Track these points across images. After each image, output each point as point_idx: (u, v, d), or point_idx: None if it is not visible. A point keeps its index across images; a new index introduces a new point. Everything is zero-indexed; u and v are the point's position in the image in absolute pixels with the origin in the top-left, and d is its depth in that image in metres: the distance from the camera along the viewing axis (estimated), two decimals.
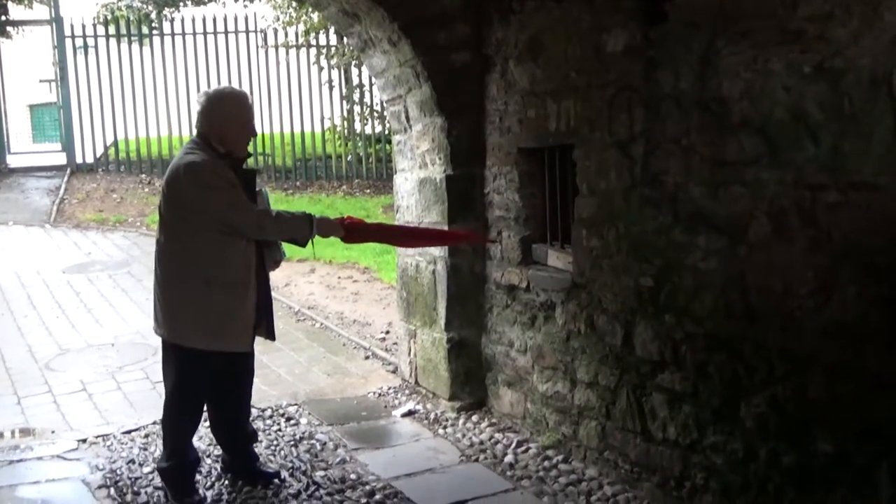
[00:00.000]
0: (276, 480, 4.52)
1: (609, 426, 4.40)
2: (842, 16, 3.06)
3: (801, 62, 3.23)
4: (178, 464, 4.35)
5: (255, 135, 4.52)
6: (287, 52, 16.11)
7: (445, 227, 5.46)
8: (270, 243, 4.42)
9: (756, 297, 3.49)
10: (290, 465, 4.76)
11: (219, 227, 4.12)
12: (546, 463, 4.66)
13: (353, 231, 4.48)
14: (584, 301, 4.52)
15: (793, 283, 3.31)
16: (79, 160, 16.09)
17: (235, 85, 15.34)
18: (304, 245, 4.38)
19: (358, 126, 16.37)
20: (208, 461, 4.73)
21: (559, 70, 4.63)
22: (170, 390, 4.36)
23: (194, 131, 4.40)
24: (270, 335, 4.53)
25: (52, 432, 5.43)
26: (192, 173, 4.12)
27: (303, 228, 4.28)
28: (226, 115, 4.25)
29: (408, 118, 5.79)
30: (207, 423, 4.63)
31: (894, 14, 2.89)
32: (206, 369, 4.28)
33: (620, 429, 4.31)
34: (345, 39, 12.89)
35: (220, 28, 15.95)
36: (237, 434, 4.60)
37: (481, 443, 5.01)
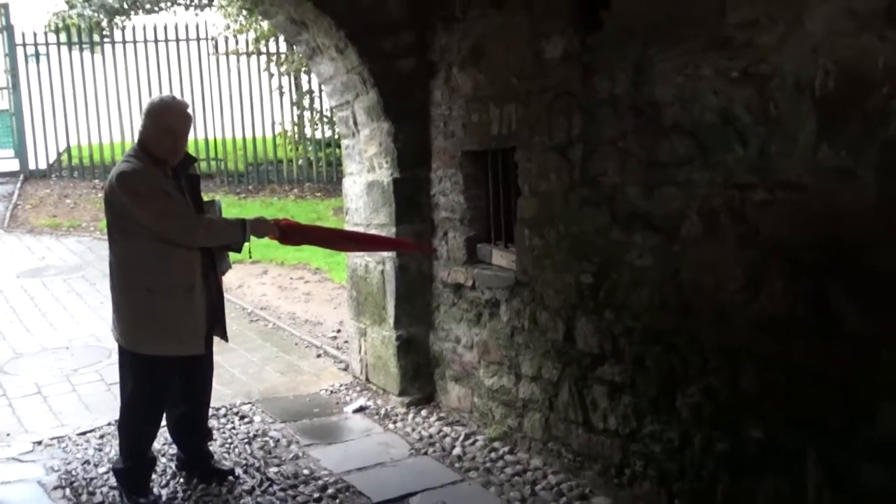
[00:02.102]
0: (231, 477, 4.46)
1: (552, 418, 4.40)
2: (767, 23, 3.10)
3: (729, 67, 3.26)
4: (135, 465, 4.27)
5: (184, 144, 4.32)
6: (238, 60, 15.93)
7: (393, 229, 5.43)
8: (219, 253, 4.34)
9: (689, 293, 3.52)
10: (244, 462, 4.69)
11: (154, 234, 4.05)
12: (493, 454, 4.66)
13: (289, 232, 4.42)
14: (527, 298, 4.53)
15: (723, 278, 3.35)
16: (31, 166, 15.74)
17: (187, 91, 15.16)
18: (239, 250, 4.30)
19: (308, 131, 16.22)
20: (163, 459, 4.63)
21: (501, 76, 4.63)
22: (127, 395, 4.25)
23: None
24: (223, 336, 4.46)
25: (7, 435, 5.27)
26: (121, 182, 4.04)
27: (235, 234, 4.22)
28: (161, 125, 4.14)
29: (355, 123, 5.74)
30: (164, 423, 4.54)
31: (815, 22, 2.93)
32: (163, 374, 4.20)
33: (563, 420, 4.32)
34: (294, 47, 12.78)
35: (172, 36, 15.69)
36: (194, 433, 4.53)
37: (430, 436, 4.99)
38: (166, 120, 4.16)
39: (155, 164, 4.13)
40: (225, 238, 4.24)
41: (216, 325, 4.36)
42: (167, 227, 4.05)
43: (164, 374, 4.20)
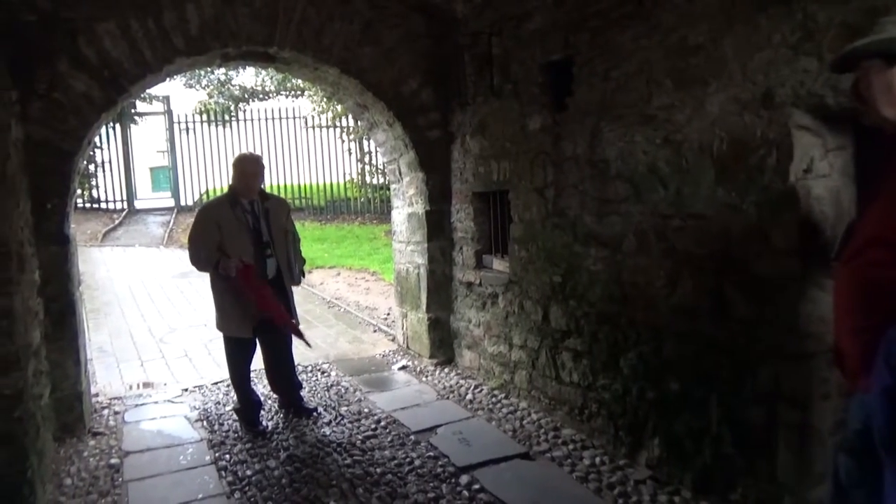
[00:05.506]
0: (315, 414, 4.47)
1: (534, 374, 4.39)
2: (680, 106, 3.09)
3: (654, 136, 3.25)
4: (246, 405, 4.31)
5: (259, 184, 4.21)
6: (321, 131, 16.03)
7: (426, 245, 5.42)
8: (287, 273, 4.27)
9: (628, 288, 3.50)
10: (324, 403, 4.70)
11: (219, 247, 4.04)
12: (493, 399, 4.64)
13: (242, 274, 4.04)
14: (516, 292, 4.52)
15: (651, 279, 3.33)
16: (182, 203, 15.93)
17: (287, 153, 15.28)
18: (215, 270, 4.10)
19: (368, 178, 16.28)
20: (269, 402, 4.65)
21: (498, 141, 4.64)
22: (226, 357, 4.38)
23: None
24: (294, 318, 4.37)
25: (164, 384, 5.32)
26: (198, 209, 4.13)
27: (208, 267, 4.09)
28: (239, 170, 4.18)
29: (400, 173, 5.75)
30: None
31: (713, 106, 2.93)
32: (236, 346, 4.25)
33: (542, 376, 4.30)
34: (358, 122, 12.82)
35: (277, 115, 15.80)
36: (285, 383, 4.53)
37: (451, 386, 4.97)
38: (242, 166, 4.20)
39: (233, 199, 4.13)
40: (204, 268, 4.13)
41: (279, 318, 4.14)
42: (188, 248, 4.14)
43: (237, 346, 4.26)
